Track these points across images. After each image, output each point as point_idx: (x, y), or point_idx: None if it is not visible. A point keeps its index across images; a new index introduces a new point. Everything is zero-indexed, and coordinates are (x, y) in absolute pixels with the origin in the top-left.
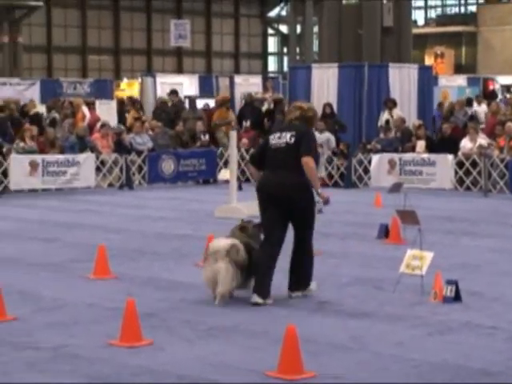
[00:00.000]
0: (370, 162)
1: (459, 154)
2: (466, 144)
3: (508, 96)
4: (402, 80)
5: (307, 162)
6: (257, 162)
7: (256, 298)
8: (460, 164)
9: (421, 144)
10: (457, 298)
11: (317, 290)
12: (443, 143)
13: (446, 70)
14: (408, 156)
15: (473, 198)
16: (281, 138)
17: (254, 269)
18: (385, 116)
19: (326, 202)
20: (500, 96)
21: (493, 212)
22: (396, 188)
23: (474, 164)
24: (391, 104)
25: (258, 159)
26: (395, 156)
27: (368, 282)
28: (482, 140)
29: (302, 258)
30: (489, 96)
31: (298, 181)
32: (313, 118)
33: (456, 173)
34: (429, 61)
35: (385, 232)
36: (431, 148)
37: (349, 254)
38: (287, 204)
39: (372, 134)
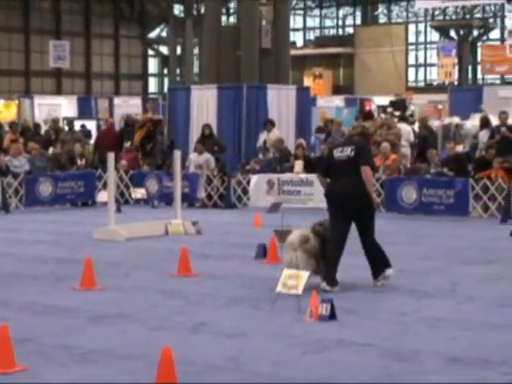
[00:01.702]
0: (248, 183)
1: None
2: None
3: (383, 116)
4: (280, 101)
5: (365, 170)
6: (324, 172)
7: (325, 286)
8: None
9: (299, 164)
10: (332, 316)
11: (393, 275)
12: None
13: (324, 90)
14: (286, 176)
15: None
16: (343, 152)
17: (325, 261)
18: (263, 136)
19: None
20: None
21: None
22: (274, 208)
23: None
24: (270, 125)
25: (324, 171)
26: (274, 176)
27: (246, 302)
28: None
29: (372, 249)
30: (366, 117)
31: (358, 188)
32: (371, 134)
33: None
34: (308, 82)
35: (263, 252)
36: (309, 168)
37: (227, 274)
38: (350, 207)
39: (251, 155)
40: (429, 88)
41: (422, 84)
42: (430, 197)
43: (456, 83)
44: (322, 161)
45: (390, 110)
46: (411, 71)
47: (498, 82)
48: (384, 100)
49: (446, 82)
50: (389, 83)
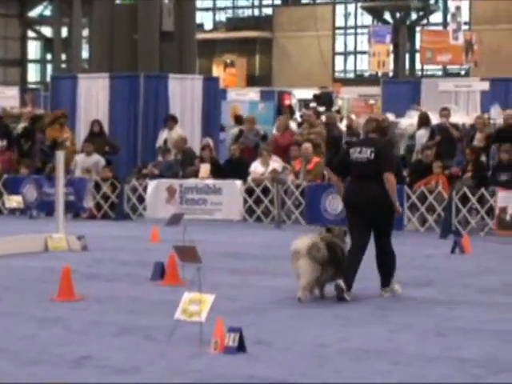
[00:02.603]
0: (145, 189)
1: (249, 179)
2: (256, 168)
3: (306, 112)
4: (183, 93)
5: (389, 177)
6: (337, 170)
7: (342, 283)
8: (250, 191)
9: (205, 168)
10: (241, 347)
11: (401, 291)
12: (231, 167)
13: (236, 81)
14: (190, 182)
15: (264, 231)
16: (361, 153)
17: (344, 268)
18: (164, 135)
19: (399, 214)
20: (298, 112)
21: (286, 247)
22: (175, 220)
23: (266, 191)
24: (171, 121)
25: (338, 168)
26: (175, 182)
27: (139, 331)
28: (276, 163)
29: (386, 258)
30: (286, 112)
31: (378, 192)
32: (388, 127)
33: (245, 201)
34: (217, 71)
35: (160, 272)
36: (217, 173)
37: (117, 298)
38: (370, 212)
39: (149, 157)
40: (359, 80)
41: (351, 75)
42: None
43: (391, 74)
44: (337, 157)
45: (313, 104)
46: (339, 60)
47: (440, 73)
48: (307, 93)
49: (379, 73)
50: (313, 74)
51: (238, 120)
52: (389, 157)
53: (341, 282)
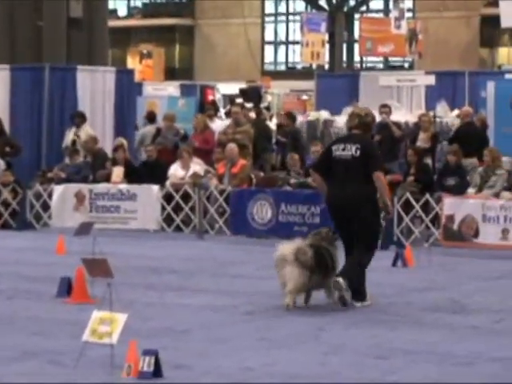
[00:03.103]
0: (50, 196)
1: (167, 184)
2: (175, 171)
3: (234, 109)
4: (94, 87)
5: (379, 176)
6: (320, 170)
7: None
8: (168, 197)
9: (118, 171)
10: (157, 372)
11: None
12: (147, 170)
13: (154, 74)
14: (101, 187)
15: (184, 242)
16: (345, 150)
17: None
18: (71, 135)
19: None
20: (222, 109)
21: (209, 260)
22: (84, 229)
23: (186, 197)
24: (79, 119)
25: (321, 167)
26: (84, 187)
27: (42, 354)
28: (197, 166)
29: (353, 268)
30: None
31: (365, 193)
32: (371, 123)
33: (163, 209)
34: (132, 62)
35: (67, 288)
36: (131, 176)
37: (17, 318)
38: (351, 214)
39: (54, 159)
40: (291, 73)
41: (282, 67)
42: (289, 215)
43: (326, 67)
44: (319, 156)
45: (239, 100)
46: (268, 50)
47: (381, 66)
48: (232, 88)
49: (313, 66)
50: (239, 66)
51: (151, 117)
52: (376, 155)
53: (340, 279)
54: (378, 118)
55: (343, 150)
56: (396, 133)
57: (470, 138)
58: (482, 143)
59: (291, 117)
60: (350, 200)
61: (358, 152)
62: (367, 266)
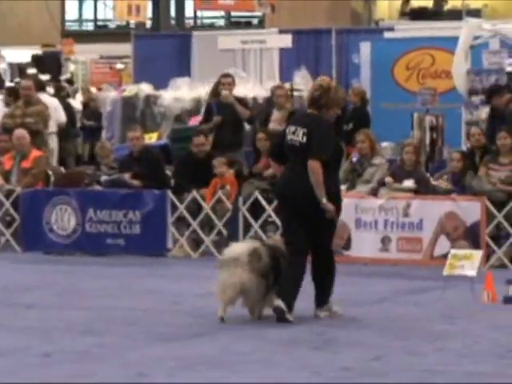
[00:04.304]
0: None
1: None
2: None
3: (24, 83)
4: None
5: (312, 165)
6: (274, 156)
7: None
8: None
9: None
10: None
11: (342, 313)
12: None
13: None
14: None
15: None
16: (295, 135)
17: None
18: None
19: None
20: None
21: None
22: None
23: None
24: None
25: (275, 153)
26: None
27: None
28: None
29: (324, 271)
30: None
31: (311, 184)
32: (334, 99)
33: None
34: None
35: None
36: None
37: None
38: (301, 209)
39: None
40: (101, 34)
41: (89, 27)
42: (99, 224)
43: (148, 25)
44: (274, 142)
45: (32, 71)
46: (71, 5)
47: (222, 22)
48: (23, 54)
49: (132, 24)
50: (31, 25)
51: None
52: (319, 140)
53: (280, 303)
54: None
55: (293, 133)
56: (242, 113)
57: (341, 118)
58: (362, 125)
59: None
60: (295, 192)
61: (305, 138)
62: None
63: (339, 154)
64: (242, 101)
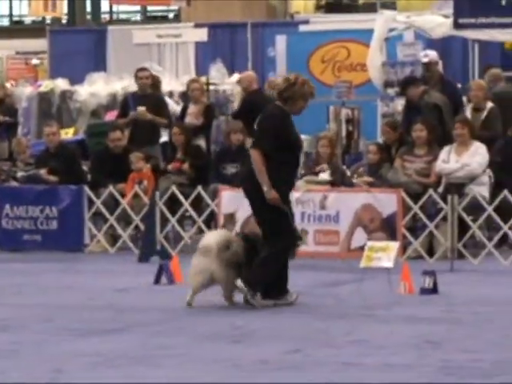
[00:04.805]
0: None
1: None
2: None
3: None
4: None
5: (252, 154)
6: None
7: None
8: None
9: None
10: None
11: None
12: None
13: None
14: None
15: None
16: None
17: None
18: None
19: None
20: None
21: None
22: None
23: None
24: None
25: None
26: None
27: None
28: None
29: (262, 257)
30: None
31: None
32: (293, 94)
33: None
34: None
35: None
36: None
37: None
38: (247, 194)
39: None
40: (17, 29)
41: (5, 22)
42: (17, 219)
43: (64, 21)
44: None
45: None
46: None
47: (139, 17)
48: None
49: (48, 20)
50: None
51: None
52: (260, 131)
53: (241, 285)
54: (133, 87)
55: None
56: (161, 124)
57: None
58: None
59: None
60: (245, 180)
61: (257, 128)
62: (273, 262)
63: (289, 146)
64: (161, 103)
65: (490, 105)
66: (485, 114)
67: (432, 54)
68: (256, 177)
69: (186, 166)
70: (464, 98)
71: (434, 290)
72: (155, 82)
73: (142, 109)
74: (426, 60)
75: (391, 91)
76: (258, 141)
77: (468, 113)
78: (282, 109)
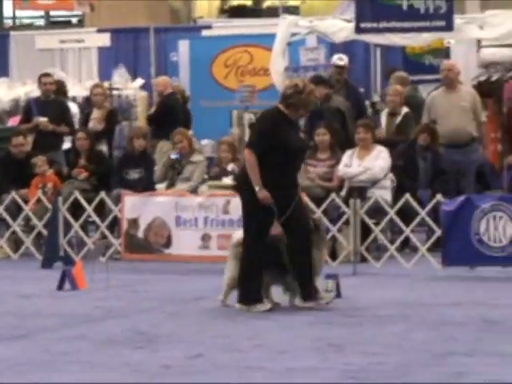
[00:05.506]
0: None
1: None
2: None
3: None
4: None
5: (244, 155)
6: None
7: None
8: None
9: None
10: None
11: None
12: None
13: None
14: None
15: None
16: None
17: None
18: None
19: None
20: None
21: None
22: None
23: None
24: None
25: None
26: None
27: None
28: None
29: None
30: None
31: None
32: (298, 101)
33: None
34: None
35: None
36: None
37: None
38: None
39: None
40: None
41: None
42: None
43: None
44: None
45: None
46: None
47: (42, 22)
48: None
49: None
50: None
51: None
52: (253, 130)
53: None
54: (36, 93)
55: None
56: (63, 132)
57: (174, 116)
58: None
59: None
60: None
61: (251, 128)
62: (248, 264)
63: (283, 148)
64: (64, 109)
65: (405, 110)
66: (399, 118)
67: (346, 59)
68: (248, 180)
69: (86, 174)
70: (367, 102)
71: (337, 293)
72: (60, 87)
73: (43, 119)
74: (341, 63)
75: None
76: (250, 141)
77: (383, 117)
78: (282, 112)
